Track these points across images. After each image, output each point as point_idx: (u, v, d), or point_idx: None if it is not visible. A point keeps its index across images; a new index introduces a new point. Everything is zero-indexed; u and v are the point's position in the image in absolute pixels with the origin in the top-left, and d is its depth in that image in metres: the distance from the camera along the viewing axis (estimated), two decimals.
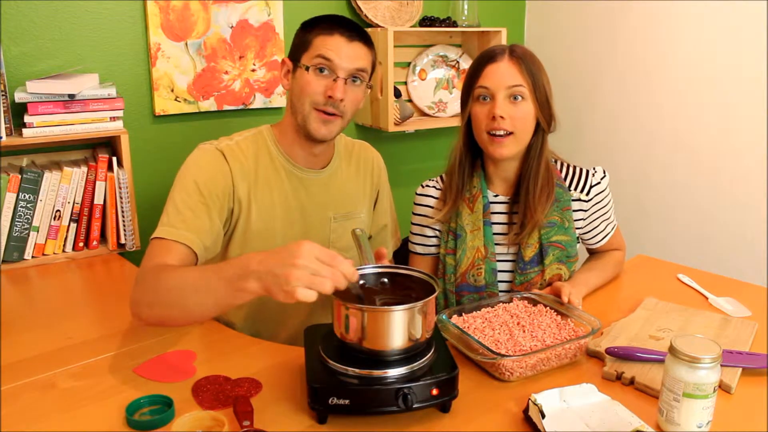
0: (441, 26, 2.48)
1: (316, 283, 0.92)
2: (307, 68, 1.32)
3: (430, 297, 1.01)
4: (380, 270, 1.12)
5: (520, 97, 1.38)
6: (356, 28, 1.36)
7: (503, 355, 1.10)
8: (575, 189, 1.50)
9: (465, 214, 1.47)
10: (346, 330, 1.01)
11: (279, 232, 1.43)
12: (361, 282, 1.09)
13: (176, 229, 1.26)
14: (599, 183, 1.51)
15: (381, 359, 1.01)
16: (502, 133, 1.38)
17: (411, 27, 2.47)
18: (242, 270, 0.98)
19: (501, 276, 1.49)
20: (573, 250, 1.48)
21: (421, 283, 1.10)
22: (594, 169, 1.52)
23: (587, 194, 1.50)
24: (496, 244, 1.48)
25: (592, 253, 1.62)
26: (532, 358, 1.11)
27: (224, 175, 1.35)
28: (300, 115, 1.36)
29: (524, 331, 1.19)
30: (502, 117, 1.36)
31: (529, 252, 1.44)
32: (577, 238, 1.53)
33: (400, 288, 1.09)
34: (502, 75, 1.37)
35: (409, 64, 2.57)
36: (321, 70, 1.33)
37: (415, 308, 0.99)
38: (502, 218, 1.50)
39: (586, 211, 1.51)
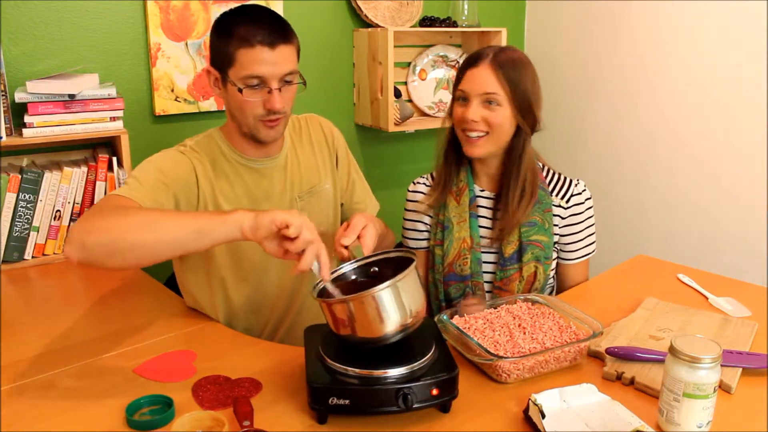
0: (441, 26, 2.48)
1: (303, 232, 1.04)
2: (240, 90, 1.29)
3: (405, 272, 1.01)
4: (361, 263, 1.15)
5: (494, 103, 1.42)
6: (273, 26, 1.30)
7: (500, 357, 1.10)
8: (556, 195, 1.54)
9: (452, 206, 1.53)
10: (337, 326, 1.03)
11: None
12: (353, 277, 1.14)
13: (137, 193, 1.24)
14: (579, 194, 1.54)
15: (380, 344, 1.02)
16: (474, 135, 1.44)
17: (411, 27, 2.47)
18: (234, 209, 1.10)
19: (486, 267, 1.53)
20: (551, 252, 1.52)
21: (403, 261, 1.10)
22: (577, 180, 1.56)
23: (567, 202, 1.53)
24: (482, 236, 1.52)
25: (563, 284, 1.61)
26: (530, 360, 1.11)
27: (187, 170, 1.36)
28: (245, 127, 1.36)
29: (525, 333, 1.19)
30: (474, 120, 1.42)
31: (509, 249, 1.49)
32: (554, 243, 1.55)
33: (390, 272, 1.09)
34: (479, 81, 1.42)
35: (409, 64, 2.57)
36: (253, 86, 1.30)
37: (391, 285, 0.99)
38: (487, 213, 1.54)
39: (563, 218, 1.54)
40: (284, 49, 1.30)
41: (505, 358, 1.10)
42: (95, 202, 1.22)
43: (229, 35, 1.29)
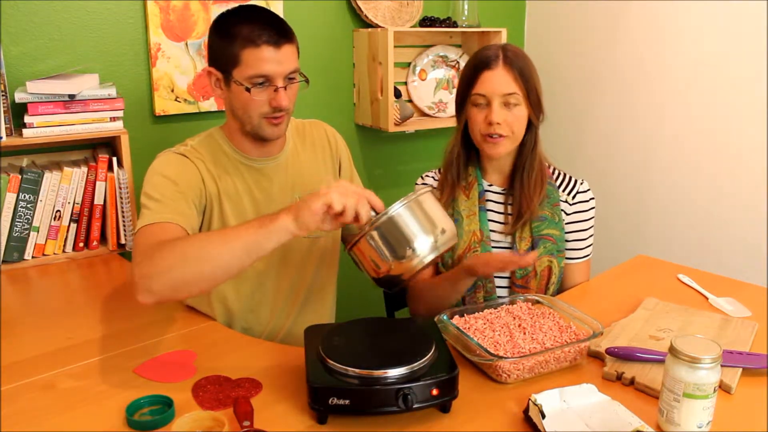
0: (441, 26, 2.48)
1: (344, 199, 1.06)
2: (248, 89, 1.31)
3: (421, 191, 1.09)
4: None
5: (513, 103, 1.44)
6: (276, 26, 1.32)
7: (500, 357, 1.10)
8: (563, 191, 1.56)
9: (461, 200, 1.54)
10: (379, 261, 1.06)
11: None
12: None
13: (163, 213, 1.26)
14: (585, 192, 1.57)
15: (416, 269, 1.06)
16: (497, 136, 1.45)
17: (411, 27, 2.47)
18: (272, 214, 1.11)
19: None
20: (563, 245, 1.54)
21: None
22: (582, 180, 1.58)
23: (573, 198, 1.56)
24: (492, 231, 1.54)
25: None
26: (530, 360, 1.11)
27: (193, 173, 1.37)
28: (249, 126, 1.37)
29: (525, 333, 1.19)
30: (498, 123, 1.43)
31: (524, 245, 1.50)
32: None
33: None
34: (498, 83, 1.43)
35: (409, 64, 2.57)
36: (260, 84, 1.32)
37: (409, 202, 1.06)
38: (497, 207, 1.56)
39: (568, 214, 1.56)
40: (288, 48, 1.33)
41: (505, 358, 1.10)
42: (135, 243, 1.22)
43: (233, 36, 1.31)
